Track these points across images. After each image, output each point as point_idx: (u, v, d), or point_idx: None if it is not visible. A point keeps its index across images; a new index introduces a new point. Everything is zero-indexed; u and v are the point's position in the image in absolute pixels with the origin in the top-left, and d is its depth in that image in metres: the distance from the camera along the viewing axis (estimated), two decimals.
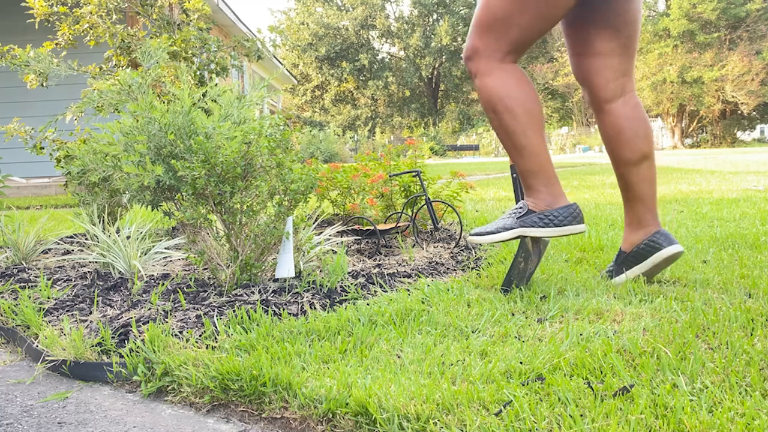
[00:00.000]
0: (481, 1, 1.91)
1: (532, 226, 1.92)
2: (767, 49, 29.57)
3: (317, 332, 1.63)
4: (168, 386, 1.45)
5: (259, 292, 2.07)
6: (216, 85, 2.53)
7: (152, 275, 2.35)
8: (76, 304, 2.02)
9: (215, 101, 2.42)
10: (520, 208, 1.96)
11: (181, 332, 1.68)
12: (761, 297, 1.79)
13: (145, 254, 2.51)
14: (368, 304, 1.85)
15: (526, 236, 1.94)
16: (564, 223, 1.90)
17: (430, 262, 2.55)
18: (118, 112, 2.45)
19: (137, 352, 1.55)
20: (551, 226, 1.90)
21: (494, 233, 1.97)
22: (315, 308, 1.88)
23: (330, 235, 2.72)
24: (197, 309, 1.89)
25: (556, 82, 33.92)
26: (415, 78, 37.91)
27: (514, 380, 1.27)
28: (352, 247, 2.95)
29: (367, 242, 3.04)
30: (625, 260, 2.07)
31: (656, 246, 2.00)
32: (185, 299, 2.00)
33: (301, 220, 2.28)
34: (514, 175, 2.13)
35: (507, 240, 1.97)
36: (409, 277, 2.28)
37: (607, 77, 2.00)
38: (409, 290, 2.06)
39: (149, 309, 1.91)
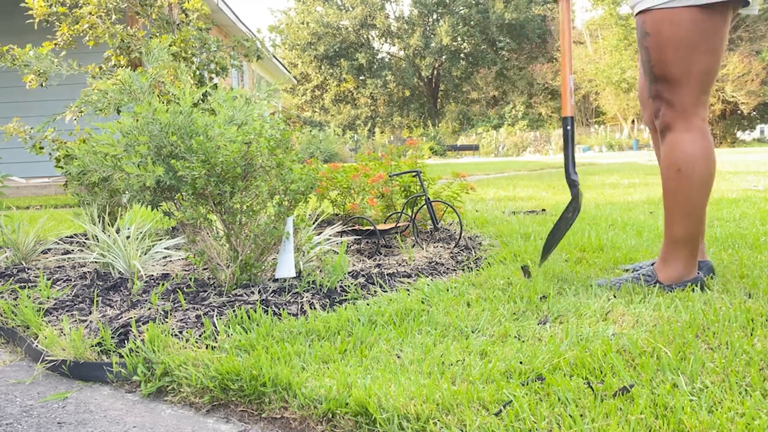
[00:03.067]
0: (654, 58, 1.87)
1: None
2: (767, 49, 29.56)
3: (317, 332, 1.63)
4: (168, 386, 1.45)
5: (259, 292, 2.07)
6: (216, 85, 2.53)
7: (152, 275, 2.35)
8: (75, 304, 2.01)
9: (221, 104, 2.42)
10: (649, 276, 1.98)
11: (180, 332, 1.68)
12: (761, 297, 1.79)
13: (145, 254, 2.50)
14: (368, 304, 1.85)
15: None
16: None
17: (430, 262, 2.55)
18: (119, 112, 2.45)
19: (137, 352, 1.55)
20: None
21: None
22: (315, 308, 1.88)
23: (330, 235, 2.72)
24: (197, 309, 1.89)
25: (556, 82, 33.91)
26: (414, 78, 37.91)
27: (514, 380, 1.27)
28: (352, 247, 2.95)
29: (367, 242, 3.03)
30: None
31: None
32: (185, 299, 2.00)
33: (301, 220, 2.28)
34: (568, 128, 2.15)
35: None
36: (408, 277, 2.28)
37: None
38: (408, 290, 2.06)
39: (149, 309, 1.91)
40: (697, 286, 1.91)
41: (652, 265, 2.08)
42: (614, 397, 1.18)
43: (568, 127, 2.15)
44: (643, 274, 1.99)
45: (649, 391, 1.18)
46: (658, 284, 1.94)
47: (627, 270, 2.24)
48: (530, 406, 1.14)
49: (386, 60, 39.28)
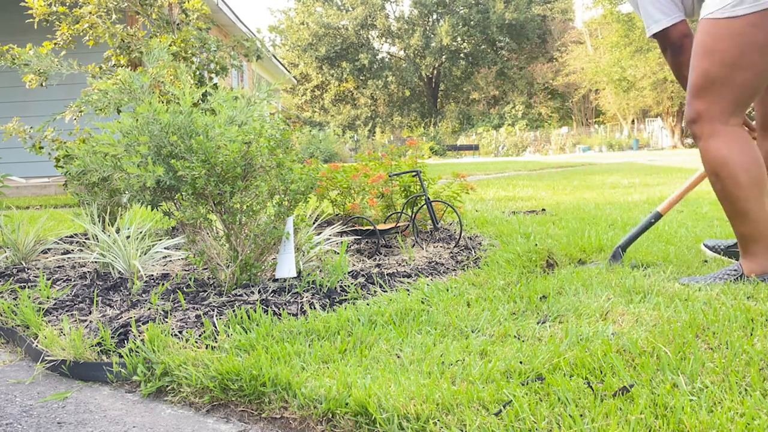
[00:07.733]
0: (695, 66, 1.95)
1: None
2: None
3: (317, 332, 1.63)
4: (168, 386, 1.45)
5: (259, 292, 2.07)
6: (215, 85, 2.53)
7: (152, 275, 2.35)
8: (75, 304, 2.01)
9: (221, 105, 2.42)
10: (735, 270, 1.99)
11: (180, 332, 1.68)
12: (761, 297, 1.79)
13: (145, 254, 2.50)
14: (368, 304, 1.85)
15: None
16: None
17: (429, 262, 2.55)
18: (119, 111, 2.44)
19: (137, 352, 1.55)
20: None
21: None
22: (315, 308, 1.88)
23: (330, 235, 2.72)
24: (197, 309, 1.89)
25: (556, 82, 33.91)
26: (415, 78, 37.87)
27: (514, 380, 1.27)
28: (352, 247, 2.95)
29: (367, 242, 3.03)
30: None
31: None
32: (185, 299, 2.00)
33: (301, 220, 2.28)
34: (653, 220, 2.30)
35: None
36: (408, 277, 2.28)
37: None
38: (408, 290, 2.06)
39: (149, 309, 1.91)
40: None
41: None
42: (614, 397, 1.18)
43: (653, 220, 2.32)
44: (728, 270, 2.00)
45: (649, 391, 1.18)
46: (743, 277, 1.96)
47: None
48: (530, 406, 1.14)
49: (386, 60, 39.26)
